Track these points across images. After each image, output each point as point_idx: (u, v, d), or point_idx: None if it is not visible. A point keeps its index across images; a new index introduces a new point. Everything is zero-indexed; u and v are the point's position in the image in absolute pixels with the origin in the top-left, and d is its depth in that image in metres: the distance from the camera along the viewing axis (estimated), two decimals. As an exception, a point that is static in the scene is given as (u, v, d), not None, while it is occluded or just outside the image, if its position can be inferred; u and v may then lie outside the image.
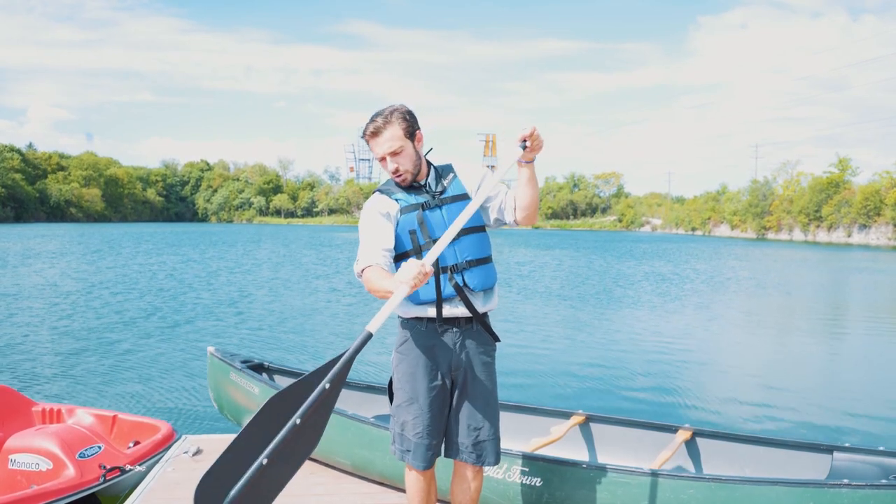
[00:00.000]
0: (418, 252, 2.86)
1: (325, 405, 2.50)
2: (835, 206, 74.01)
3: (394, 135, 2.83)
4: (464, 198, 2.93)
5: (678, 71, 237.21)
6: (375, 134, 2.85)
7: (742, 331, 14.13)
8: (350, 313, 14.77)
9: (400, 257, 2.90)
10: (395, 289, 2.56)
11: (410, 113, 2.89)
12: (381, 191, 2.97)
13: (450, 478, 3.14)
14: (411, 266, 2.53)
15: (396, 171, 2.87)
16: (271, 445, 2.39)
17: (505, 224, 2.99)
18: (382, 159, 2.88)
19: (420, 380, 2.93)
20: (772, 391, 8.95)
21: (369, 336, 2.54)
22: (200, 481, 2.32)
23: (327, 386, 2.48)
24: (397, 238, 2.90)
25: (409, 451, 2.97)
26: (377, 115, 2.86)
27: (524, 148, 2.75)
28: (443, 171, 2.99)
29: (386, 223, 2.88)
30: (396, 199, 2.91)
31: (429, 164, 2.99)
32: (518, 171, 2.87)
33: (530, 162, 2.81)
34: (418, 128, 2.89)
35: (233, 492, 2.35)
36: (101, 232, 64.00)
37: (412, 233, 2.87)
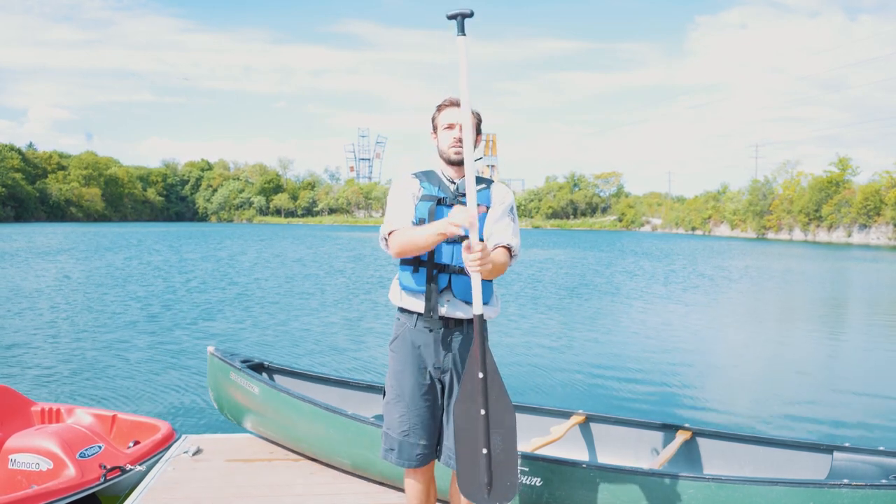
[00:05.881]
0: None
1: (493, 385, 2.75)
2: (835, 206, 73.99)
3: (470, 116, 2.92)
4: (482, 209, 2.92)
5: (677, 71, 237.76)
6: (458, 104, 2.91)
7: (742, 330, 14.13)
8: (351, 312, 14.76)
9: None
10: (439, 226, 2.68)
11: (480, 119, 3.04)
12: (415, 175, 3.04)
13: (449, 477, 3.13)
14: (461, 209, 2.63)
15: (459, 140, 2.91)
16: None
17: None
18: (449, 127, 2.93)
19: (407, 377, 2.95)
20: (772, 391, 8.94)
21: (481, 317, 2.73)
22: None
23: (480, 375, 2.72)
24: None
25: (392, 449, 2.98)
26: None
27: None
28: (479, 180, 2.99)
29: (411, 201, 2.96)
30: (423, 186, 2.97)
31: None
32: None
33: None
34: (480, 133, 3.03)
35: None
36: (102, 231, 63.98)
37: (421, 221, 2.90)
